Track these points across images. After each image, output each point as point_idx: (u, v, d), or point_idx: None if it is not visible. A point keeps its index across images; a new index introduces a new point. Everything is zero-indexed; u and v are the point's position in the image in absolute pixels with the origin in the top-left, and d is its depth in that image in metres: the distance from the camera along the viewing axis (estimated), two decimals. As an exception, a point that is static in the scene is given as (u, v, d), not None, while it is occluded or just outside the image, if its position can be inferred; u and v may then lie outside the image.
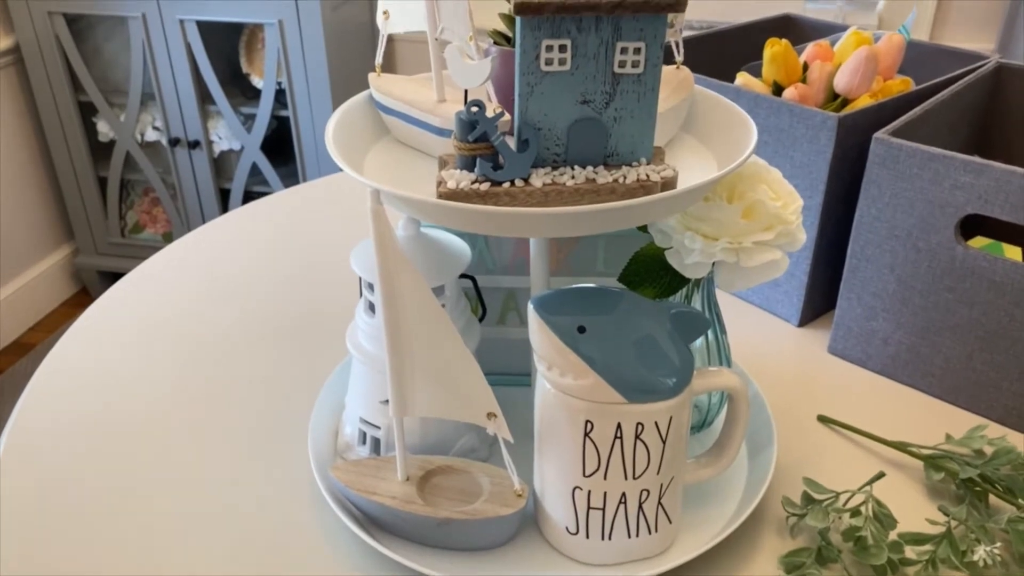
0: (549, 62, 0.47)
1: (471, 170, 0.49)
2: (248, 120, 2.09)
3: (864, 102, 0.79)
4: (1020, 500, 0.60)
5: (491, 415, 0.56)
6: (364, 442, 0.65)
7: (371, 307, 0.61)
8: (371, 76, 0.60)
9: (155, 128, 2.15)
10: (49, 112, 2.13)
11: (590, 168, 0.50)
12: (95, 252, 2.33)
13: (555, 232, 0.49)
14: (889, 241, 0.73)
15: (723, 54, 0.97)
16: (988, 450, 0.65)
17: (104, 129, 2.18)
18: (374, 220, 0.48)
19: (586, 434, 0.53)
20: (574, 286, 0.54)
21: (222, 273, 0.94)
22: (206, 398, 0.75)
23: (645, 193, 0.49)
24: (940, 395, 0.75)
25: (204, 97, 2.06)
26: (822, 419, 0.72)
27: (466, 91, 0.49)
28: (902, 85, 0.81)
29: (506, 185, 0.48)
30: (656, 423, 0.53)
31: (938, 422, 0.72)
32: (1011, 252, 0.77)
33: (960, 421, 0.72)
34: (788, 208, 0.57)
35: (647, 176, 0.49)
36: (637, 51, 0.47)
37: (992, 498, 0.63)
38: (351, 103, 0.60)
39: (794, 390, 0.77)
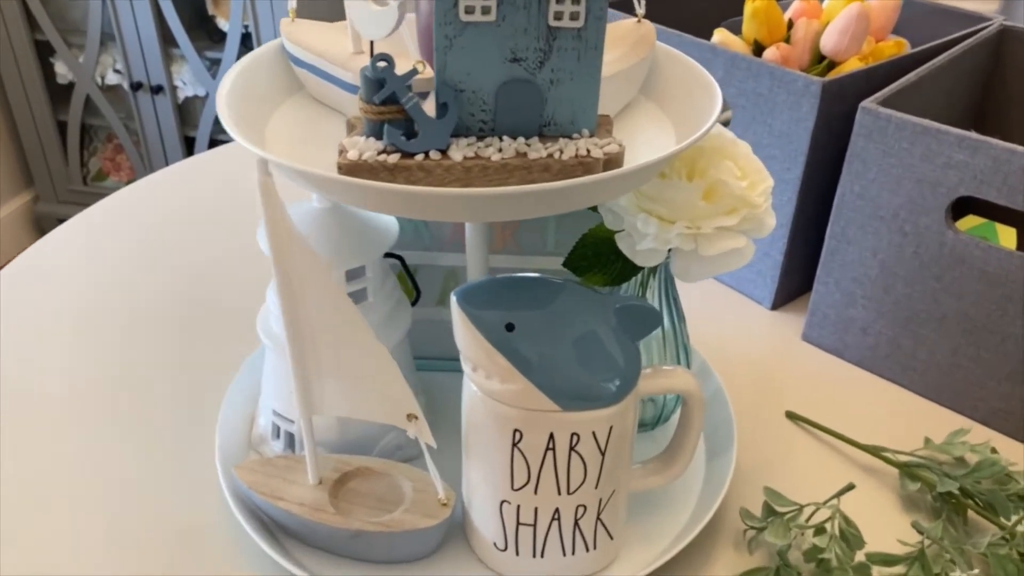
0: (470, 10, 0.39)
1: (380, 137, 0.41)
2: (214, 65, 1.98)
3: (853, 65, 0.71)
4: (1001, 519, 0.54)
5: (411, 417, 0.49)
6: (278, 436, 0.58)
7: (282, 288, 0.54)
8: (283, 22, 0.52)
9: (116, 71, 2.04)
10: (4, 50, 2.02)
11: (521, 140, 0.42)
12: (56, 200, 2.24)
13: (477, 216, 0.42)
14: (873, 222, 0.66)
15: (701, 6, 0.88)
16: (971, 458, 0.59)
17: (62, 71, 2.07)
18: (263, 195, 0.41)
19: (514, 444, 0.46)
20: (504, 276, 0.47)
21: (150, 236, 0.87)
22: (111, 379, 0.68)
23: (584, 172, 0.41)
24: (921, 391, 0.69)
25: (167, 39, 1.96)
26: (791, 416, 0.66)
27: (372, 43, 0.41)
28: (895, 48, 0.74)
29: (419, 157, 0.41)
30: (594, 433, 0.46)
31: (917, 421, 0.66)
32: (1005, 233, 0.70)
33: (942, 421, 0.66)
34: (755, 189, 0.50)
35: (587, 151, 0.41)
36: (576, 1, 0.39)
37: (971, 513, 0.57)
38: (260, 52, 0.52)
39: (762, 381, 0.70)
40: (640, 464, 0.54)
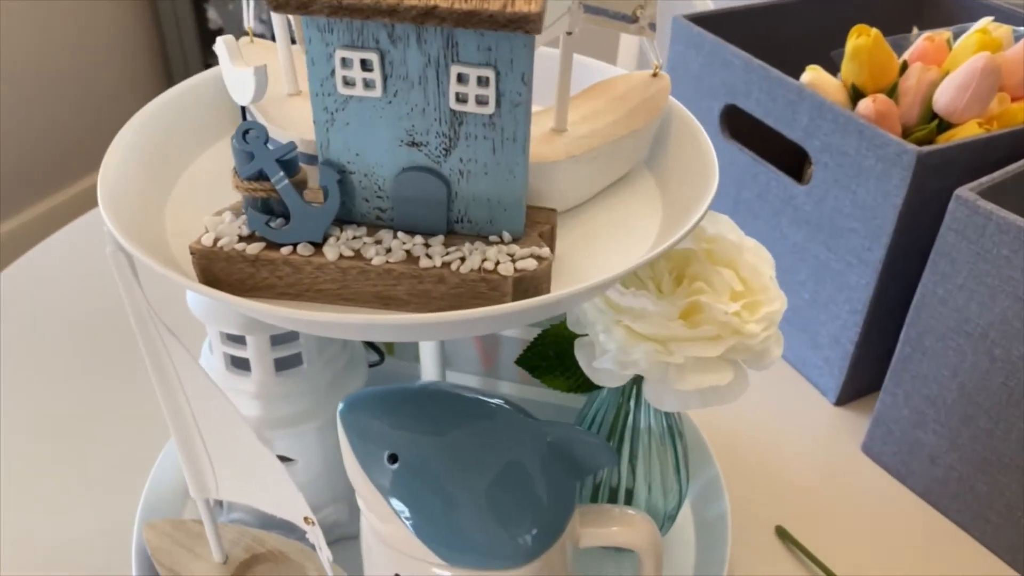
0: (349, 82, 0.31)
1: (254, 218, 0.34)
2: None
3: (970, 131, 0.57)
4: None
5: (308, 520, 0.42)
6: (210, 491, 0.53)
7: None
8: (241, 42, 0.45)
9: (261, 21, 2.06)
10: (164, -10, 2.10)
11: (419, 239, 0.34)
12: (200, 140, 2.31)
13: (345, 335, 0.34)
14: (956, 336, 0.53)
15: (804, 29, 0.75)
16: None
17: (213, 16, 2.12)
18: (117, 273, 0.35)
19: (396, 589, 0.39)
20: (415, 384, 0.39)
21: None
22: (64, 397, 0.66)
23: (488, 289, 0.32)
24: (994, 548, 0.55)
25: (310, -7, 1.95)
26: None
27: (243, 108, 0.34)
28: (1034, 112, 0.59)
29: (286, 250, 0.33)
30: (491, 597, 0.38)
31: (980, 587, 0.53)
32: None
33: (1011, 593, 0.53)
34: (754, 312, 0.39)
35: (495, 265, 0.32)
36: (483, 81, 0.30)
37: None
38: (209, 74, 0.46)
39: (801, 496, 0.59)
40: (584, 609, 0.45)
